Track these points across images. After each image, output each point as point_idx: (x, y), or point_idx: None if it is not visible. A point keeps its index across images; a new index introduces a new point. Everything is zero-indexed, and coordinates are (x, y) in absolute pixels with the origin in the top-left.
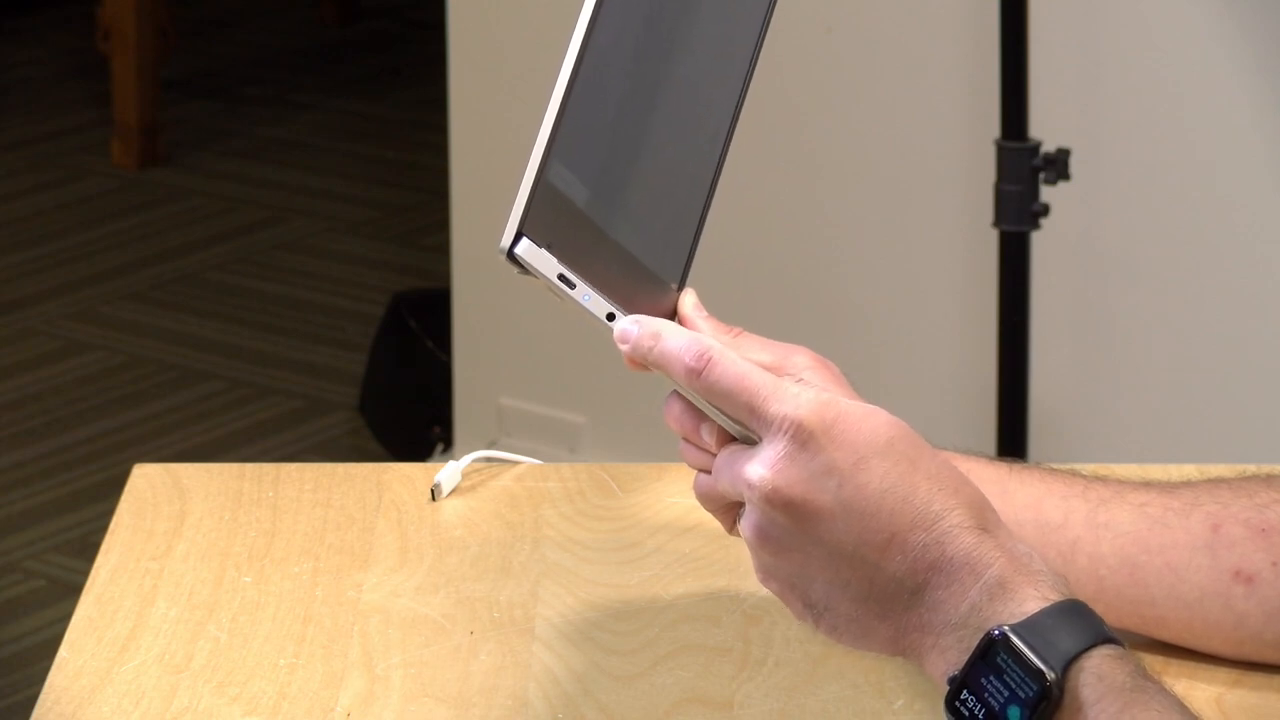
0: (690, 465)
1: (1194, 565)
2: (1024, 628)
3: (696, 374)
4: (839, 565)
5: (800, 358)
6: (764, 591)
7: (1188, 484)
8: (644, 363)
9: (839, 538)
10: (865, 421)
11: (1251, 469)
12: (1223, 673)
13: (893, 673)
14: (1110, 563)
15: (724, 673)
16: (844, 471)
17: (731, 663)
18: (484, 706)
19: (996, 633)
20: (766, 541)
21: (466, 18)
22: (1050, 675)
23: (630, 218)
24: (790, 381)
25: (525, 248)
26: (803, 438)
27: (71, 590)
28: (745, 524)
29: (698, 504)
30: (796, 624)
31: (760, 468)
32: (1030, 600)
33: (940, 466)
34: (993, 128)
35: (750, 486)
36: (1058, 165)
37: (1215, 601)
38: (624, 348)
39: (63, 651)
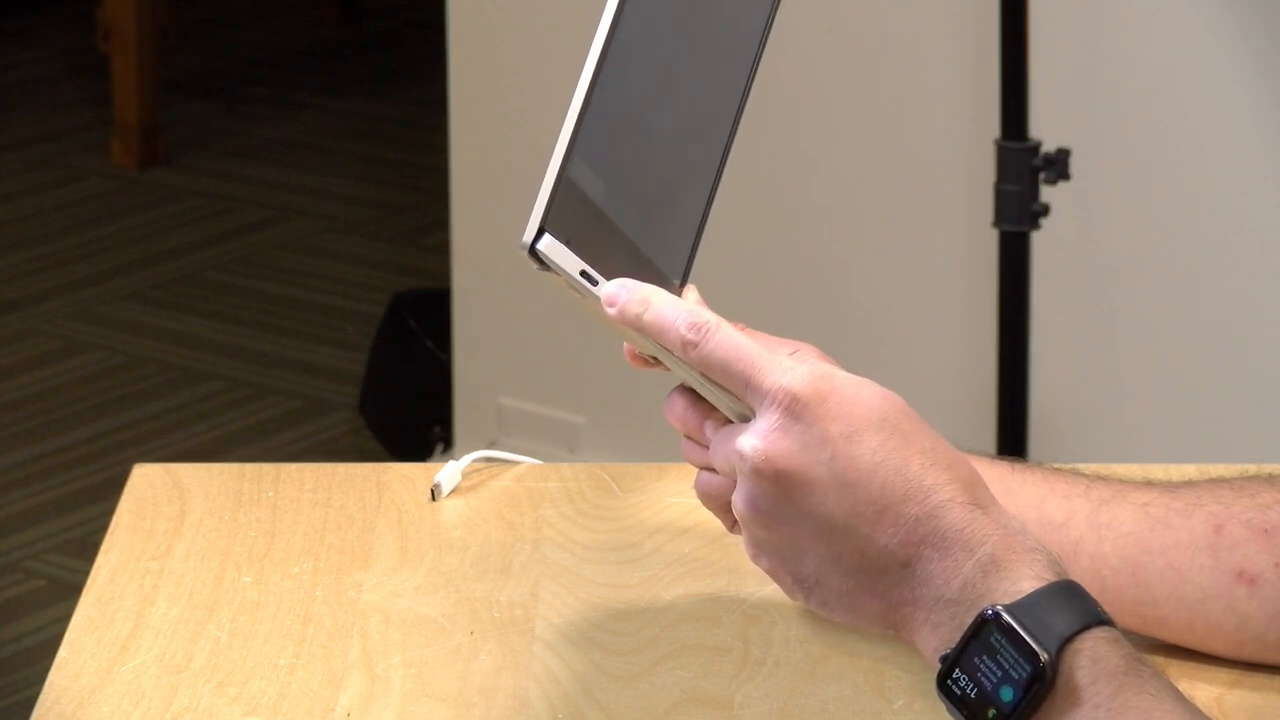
0: (692, 463)
1: (1196, 566)
2: (1018, 608)
3: (693, 345)
4: (830, 538)
5: (805, 354)
6: (764, 591)
7: (1190, 484)
8: (634, 328)
9: (830, 509)
10: (859, 394)
11: (1253, 469)
12: (1223, 673)
13: (893, 673)
14: (1112, 563)
15: (724, 673)
16: (837, 443)
17: (731, 663)
18: (484, 706)
19: (990, 612)
20: (758, 514)
21: (466, 18)
22: (1044, 656)
23: (640, 214)
24: (784, 355)
25: (547, 243)
26: (796, 409)
27: (71, 590)
28: (737, 496)
29: (698, 504)
30: (797, 624)
31: (753, 438)
32: (1025, 579)
33: (934, 441)
34: (993, 128)
35: (742, 457)
36: (1058, 165)
37: (1217, 602)
38: (611, 311)
39: (63, 651)
